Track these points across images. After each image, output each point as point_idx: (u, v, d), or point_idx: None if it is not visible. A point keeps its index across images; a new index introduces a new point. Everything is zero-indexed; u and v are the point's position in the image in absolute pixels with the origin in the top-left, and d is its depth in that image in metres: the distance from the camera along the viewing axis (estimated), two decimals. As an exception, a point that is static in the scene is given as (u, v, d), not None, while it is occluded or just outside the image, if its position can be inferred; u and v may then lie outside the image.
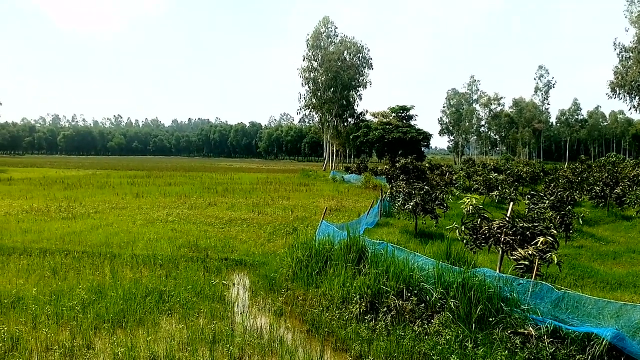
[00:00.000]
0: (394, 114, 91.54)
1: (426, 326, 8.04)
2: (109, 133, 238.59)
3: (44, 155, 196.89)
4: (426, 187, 18.42)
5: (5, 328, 7.64)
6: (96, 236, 15.66)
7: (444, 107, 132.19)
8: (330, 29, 79.10)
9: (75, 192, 31.16)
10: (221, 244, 14.98)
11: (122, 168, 72.82)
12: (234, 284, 11.11)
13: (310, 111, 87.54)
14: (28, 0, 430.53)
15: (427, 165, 45.72)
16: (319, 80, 78.76)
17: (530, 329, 7.25)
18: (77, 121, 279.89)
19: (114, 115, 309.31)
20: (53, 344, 7.31)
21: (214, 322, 8.40)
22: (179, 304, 9.24)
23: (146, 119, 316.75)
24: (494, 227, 10.64)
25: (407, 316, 8.41)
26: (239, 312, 9.21)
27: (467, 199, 13.36)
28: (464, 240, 11.65)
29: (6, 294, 9.29)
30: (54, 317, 8.31)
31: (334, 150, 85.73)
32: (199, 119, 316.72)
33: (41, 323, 8.07)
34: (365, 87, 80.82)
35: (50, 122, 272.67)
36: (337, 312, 8.82)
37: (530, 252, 9.34)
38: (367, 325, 8.29)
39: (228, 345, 7.43)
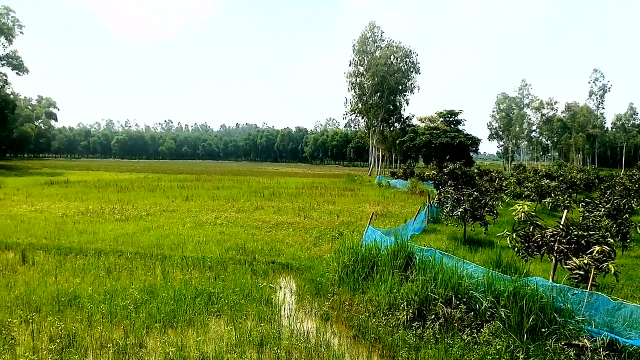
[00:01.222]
0: (441, 119, 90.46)
1: (475, 335, 7.88)
2: (160, 138, 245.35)
3: (99, 159, 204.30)
4: (475, 193, 18.06)
5: (63, 325, 7.95)
6: (148, 238, 16.11)
7: (493, 111, 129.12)
8: (376, 34, 78.85)
9: (128, 194, 32.16)
10: (268, 247, 15.13)
11: (172, 172, 74.71)
12: (280, 287, 11.20)
13: (356, 116, 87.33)
14: (87, 11, 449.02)
15: (475, 170, 44.82)
16: (365, 85, 78.60)
17: (585, 340, 6.98)
18: (130, 126, 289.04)
19: (165, 120, 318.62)
20: (107, 342, 7.56)
21: (262, 324, 8.49)
22: (227, 305, 9.38)
23: (195, 124, 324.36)
24: (547, 235, 10.31)
25: (456, 324, 8.26)
26: (286, 316, 9.27)
27: (519, 205, 13.01)
28: (515, 248, 11.34)
29: (63, 292, 9.66)
30: (108, 315, 8.59)
31: (380, 155, 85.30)
32: (246, 124, 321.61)
33: (96, 321, 8.35)
34: (413, 92, 79.91)
35: (105, 127, 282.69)
36: (383, 318, 8.76)
37: (585, 261, 8.99)
38: (414, 332, 8.19)
39: (275, 348, 7.50)
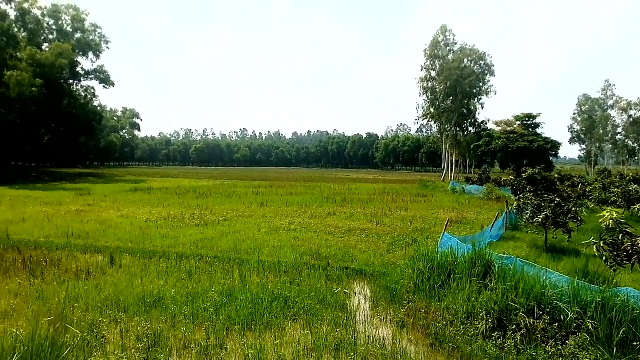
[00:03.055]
0: (518, 122, 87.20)
1: (560, 347, 7.52)
2: (235, 146, 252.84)
3: (178, 166, 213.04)
4: (557, 200, 17.27)
5: (149, 325, 8.33)
6: (226, 242, 16.61)
7: (574, 114, 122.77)
8: (448, 38, 77.53)
9: (206, 201, 33.33)
10: (341, 253, 15.18)
11: (247, 178, 76.68)
12: (355, 293, 11.19)
13: (429, 121, 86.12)
14: (167, 33, 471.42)
15: (556, 175, 42.86)
16: (438, 90, 77.39)
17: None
18: (207, 135, 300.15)
19: (240, 129, 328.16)
20: (190, 343, 7.85)
21: (337, 330, 8.52)
22: (303, 310, 9.50)
23: (269, 132, 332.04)
24: (638, 244, 9.69)
25: (539, 336, 7.92)
26: (361, 322, 9.25)
27: (607, 212, 12.30)
28: (604, 257, 10.72)
29: (149, 294, 10.13)
30: (190, 317, 8.92)
31: (454, 160, 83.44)
32: (317, 131, 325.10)
33: (179, 322, 8.69)
34: (488, 95, 77.69)
35: (184, 136, 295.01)
36: (461, 327, 8.54)
37: (683, 272, 8.37)
38: (494, 342, 7.93)
39: (352, 354, 7.51)
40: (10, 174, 71.61)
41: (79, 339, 7.39)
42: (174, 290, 10.35)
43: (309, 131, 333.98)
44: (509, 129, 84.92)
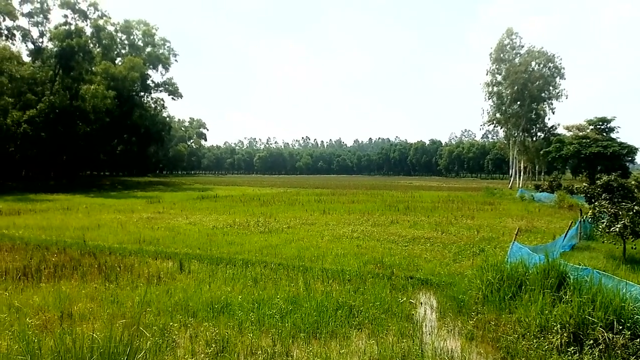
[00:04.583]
0: (591, 127, 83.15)
1: (643, 366, 7.05)
2: (297, 154, 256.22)
3: (242, 174, 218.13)
4: (636, 208, 16.30)
5: (217, 331, 8.49)
6: (289, 250, 16.76)
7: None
8: (515, 40, 75.41)
9: (269, 208, 33.86)
10: (405, 262, 14.95)
11: (309, 186, 77.34)
12: (420, 303, 10.97)
13: (495, 126, 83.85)
14: (233, 45, 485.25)
15: (633, 182, 40.51)
16: (504, 94, 75.30)
17: None
18: (270, 143, 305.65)
19: (302, 137, 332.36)
20: (257, 349, 7.93)
21: (403, 340, 8.37)
22: (367, 319, 9.40)
23: (330, 139, 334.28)
24: None
25: (619, 352, 7.46)
26: (428, 333, 9.05)
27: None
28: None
29: (216, 299, 10.34)
30: (256, 323, 9.02)
31: (522, 166, 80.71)
32: (379, 138, 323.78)
33: (246, 328, 8.81)
34: (559, 99, 74.66)
35: (247, 145, 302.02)
36: (534, 341, 8.18)
37: None
38: (570, 358, 7.54)
39: (419, 366, 7.35)
40: (86, 183, 75.70)
41: (150, 342, 7.63)
42: (240, 297, 10.51)
43: (370, 138, 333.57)
44: (580, 133, 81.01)
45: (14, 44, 73.33)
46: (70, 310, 9.52)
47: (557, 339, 8.01)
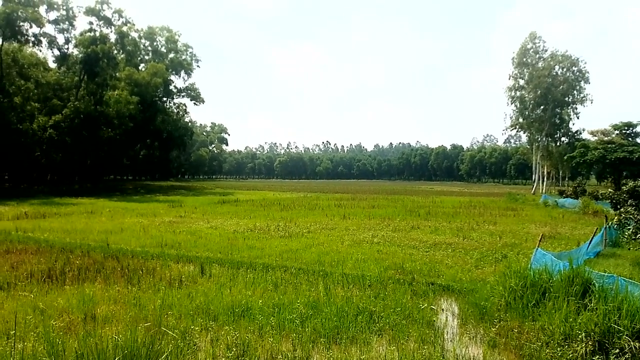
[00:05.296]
0: (616, 132, 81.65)
1: (673, 376, 6.88)
2: (317, 158, 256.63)
3: (263, 179, 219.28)
4: (664, 214, 15.95)
5: (238, 335, 8.52)
6: (310, 254, 16.75)
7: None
8: (538, 44, 74.51)
9: (289, 212, 33.94)
10: (427, 267, 14.83)
11: (329, 191, 77.35)
12: (442, 309, 10.88)
13: (517, 131, 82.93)
14: (255, 50, 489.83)
15: (660, 188, 39.67)
16: (527, 99, 74.45)
17: None
18: (290, 148, 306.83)
19: (323, 142, 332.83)
20: (277, 354, 7.93)
21: (425, 347, 8.30)
22: (388, 325, 9.34)
23: (351, 144, 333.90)
24: None
25: (647, 362, 7.30)
26: (449, 340, 8.95)
27: None
28: None
29: (237, 303, 10.37)
30: (277, 327, 9.03)
31: (545, 172, 79.61)
32: (400, 143, 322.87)
33: (266, 333, 8.83)
34: (584, 104, 73.45)
35: (268, 149, 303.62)
36: (558, 349, 8.03)
37: None
38: (595, 367, 7.39)
39: (440, 373, 7.27)
40: (110, 187, 76.86)
41: (172, 345, 7.69)
42: (260, 301, 10.54)
43: (390, 143, 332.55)
44: (606, 138, 79.58)
45: (40, 51, 75.31)
46: (94, 313, 9.66)
47: (581, 348, 7.86)
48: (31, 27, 65.39)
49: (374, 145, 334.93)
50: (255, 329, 9.01)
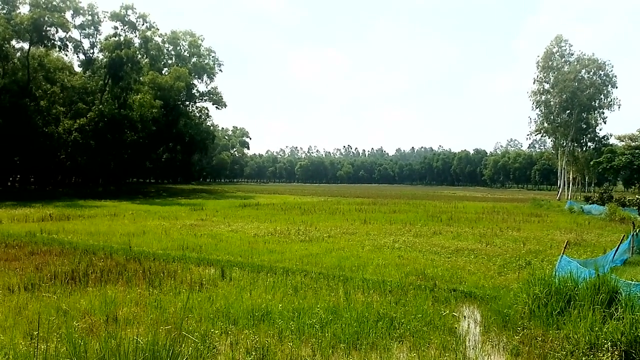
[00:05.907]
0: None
1: None
2: (338, 163, 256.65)
3: (284, 183, 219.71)
4: (694, 222, 15.52)
5: (258, 339, 8.49)
6: (330, 259, 16.68)
7: None
8: (564, 48, 73.40)
9: (310, 217, 33.93)
10: (448, 274, 14.65)
11: (350, 195, 77.19)
12: (464, 316, 10.71)
13: (542, 136, 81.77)
14: (277, 56, 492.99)
15: (690, 195, 38.69)
16: (552, 103, 73.32)
17: None
18: (311, 152, 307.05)
19: (344, 146, 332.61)
20: (296, 358, 7.89)
21: (446, 354, 8.16)
22: (409, 332, 9.22)
23: (372, 148, 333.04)
24: None
25: (676, 374, 7.07)
26: (471, 347, 8.80)
27: None
28: None
29: (257, 307, 10.36)
30: (296, 332, 8.98)
31: (570, 177, 78.27)
32: (422, 147, 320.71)
33: (286, 337, 8.79)
34: (610, 109, 72.03)
35: (289, 153, 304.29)
36: (583, 358, 7.84)
37: None
38: (623, 378, 7.19)
39: (461, 381, 7.14)
40: (133, 190, 77.86)
41: (192, 348, 7.70)
42: (280, 305, 10.51)
43: (412, 147, 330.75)
44: (633, 144, 78.03)
45: (66, 55, 76.83)
46: (116, 315, 9.74)
47: (607, 357, 7.66)
48: (57, 32, 66.78)
49: (396, 150, 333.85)
50: (275, 333, 8.98)
